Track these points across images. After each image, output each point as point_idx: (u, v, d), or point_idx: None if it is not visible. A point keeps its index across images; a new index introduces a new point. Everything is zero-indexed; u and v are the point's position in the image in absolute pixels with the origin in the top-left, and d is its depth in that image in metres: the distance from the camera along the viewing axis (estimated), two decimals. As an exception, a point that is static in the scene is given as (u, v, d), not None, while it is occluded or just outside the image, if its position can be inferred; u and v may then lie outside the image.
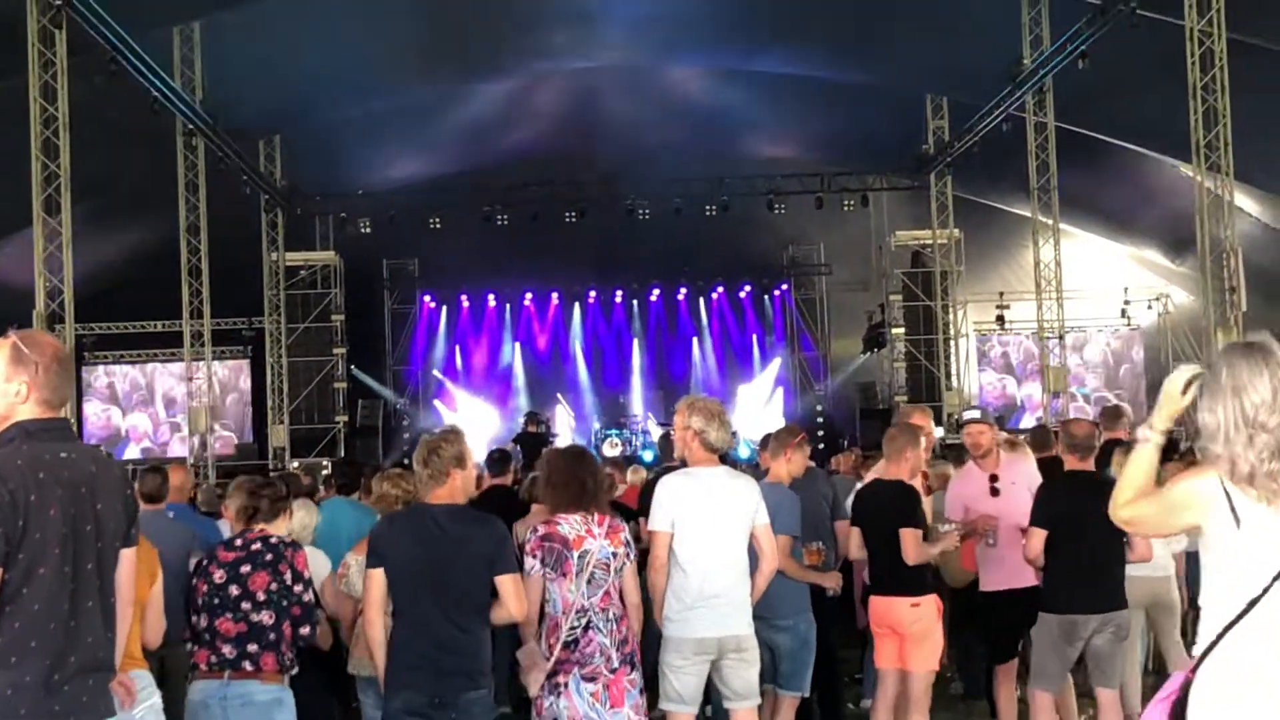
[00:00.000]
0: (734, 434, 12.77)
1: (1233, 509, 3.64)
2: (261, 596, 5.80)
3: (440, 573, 5.50)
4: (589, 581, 6.07)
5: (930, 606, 7.51)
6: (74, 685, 3.90)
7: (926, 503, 8.28)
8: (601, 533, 6.15)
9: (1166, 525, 4.15)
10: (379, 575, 5.59)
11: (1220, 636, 3.65)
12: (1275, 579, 3.59)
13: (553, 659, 5.97)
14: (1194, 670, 3.70)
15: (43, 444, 3.98)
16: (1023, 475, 8.39)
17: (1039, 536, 7.36)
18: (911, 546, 7.41)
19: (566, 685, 5.99)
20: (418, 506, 5.78)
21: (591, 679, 6.00)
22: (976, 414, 8.81)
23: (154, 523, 7.44)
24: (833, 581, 8.11)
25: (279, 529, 6.17)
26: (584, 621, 6.04)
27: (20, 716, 3.76)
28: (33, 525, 3.81)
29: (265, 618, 5.79)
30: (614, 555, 6.15)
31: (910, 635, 7.48)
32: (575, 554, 6.05)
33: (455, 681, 5.45)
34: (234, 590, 5.80)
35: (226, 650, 5.74)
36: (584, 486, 6.23)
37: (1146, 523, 4.18)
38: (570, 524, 6.14)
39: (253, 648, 5.74)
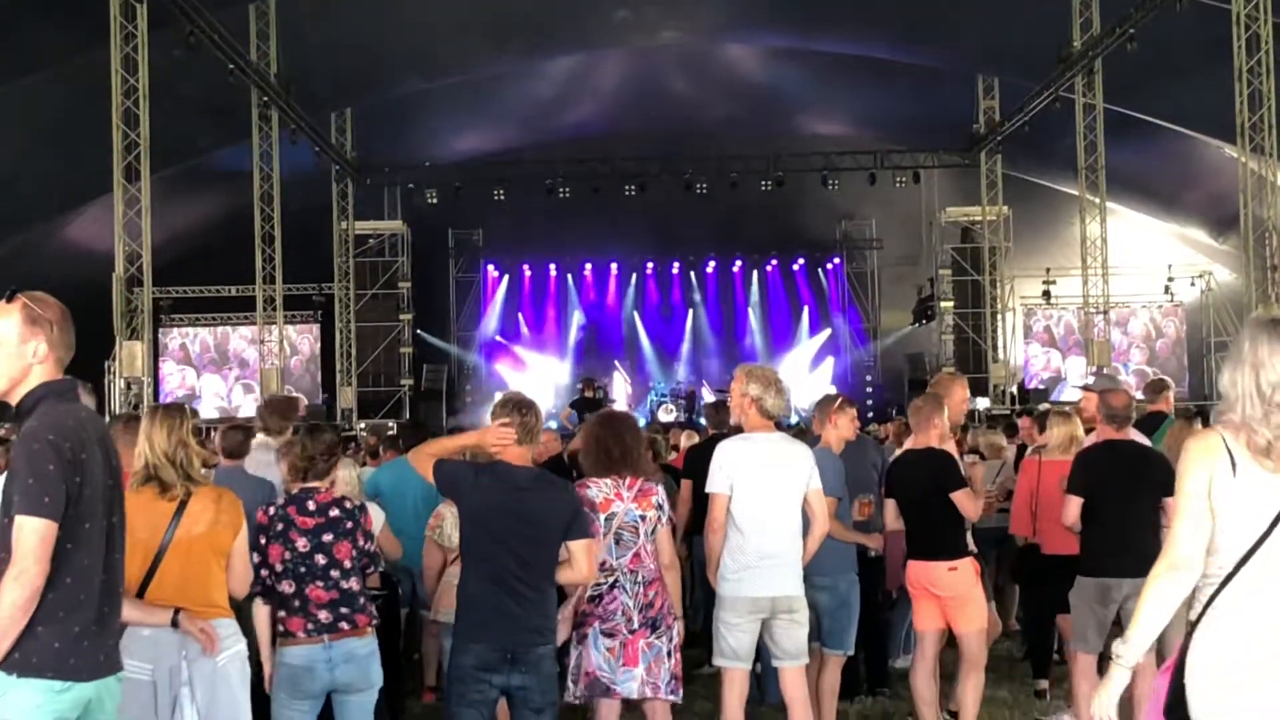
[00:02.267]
0: (788, 401, 13.19)
1: (1232, 459, 3.62)
2: (348, 565, 5.86)
3: (523, 532, 5.55)
4: (617, 542, 6.23)
5: (968, 569, 7.57)
6: (110, 636, 3.97)
7: (978, 470, 8.64)
8: (630, 496, 6.28)
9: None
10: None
11: (1217, 592, 3.65)
12: (1270, 530, 3.58)
13: (571, 609, 6.18)
14: (1190, 633, 3.70)
15: (71, 403, 3.97)
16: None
17: (1075, 504, 7.56)
18: (968, 504, 7.60)
19: (588, 637, 6.21)
20: (502, 464, 5.70)
21: (610, 635, 6.18)
22: (1089, 382, 8.86)
23: (235, 477, 7.74)
24: (875, 542, 8.24)
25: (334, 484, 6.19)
26: (611, 580, 6.22)
27: (70, 666, 3.78)
28: (85, 482, 3.83)
29: (354, 584, 5.87)
30: (643, 518, 6.28)
31: (952, 599, 7.51)
32: (602, 516, 6.17)
33: (527, 637, 5.51)
34: (320, 559, 5.83)
35: (323, 616, 5.78)
36: (609, 453, 6.36)
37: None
38: (599, 487, 6.27)
39: (345, 610, 5.82)
